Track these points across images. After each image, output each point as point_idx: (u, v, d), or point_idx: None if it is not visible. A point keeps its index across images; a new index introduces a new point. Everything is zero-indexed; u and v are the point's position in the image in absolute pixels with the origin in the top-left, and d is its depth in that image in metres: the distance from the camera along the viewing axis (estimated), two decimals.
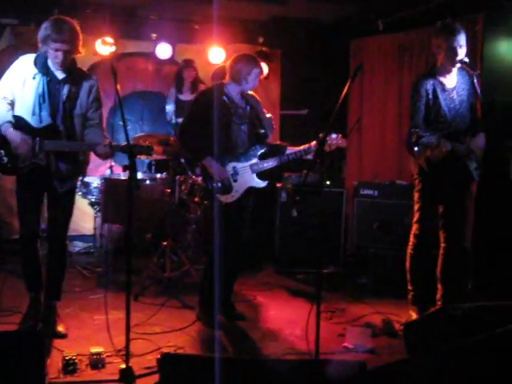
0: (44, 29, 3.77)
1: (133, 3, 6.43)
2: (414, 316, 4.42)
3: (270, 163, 4.42)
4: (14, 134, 3.78)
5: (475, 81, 4.08)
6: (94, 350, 3.56)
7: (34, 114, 3.83)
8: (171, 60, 6.77)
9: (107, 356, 3.58)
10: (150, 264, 5.30)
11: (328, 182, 5.97)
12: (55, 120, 3.87)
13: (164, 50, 6.61)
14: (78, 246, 6.55)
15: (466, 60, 4.08)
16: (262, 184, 4.43)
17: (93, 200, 6.02)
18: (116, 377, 3.31)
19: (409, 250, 4.44)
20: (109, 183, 5.80)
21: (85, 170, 4.24)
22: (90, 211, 6.24)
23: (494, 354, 2.77)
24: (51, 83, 3.87)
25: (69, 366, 3.38)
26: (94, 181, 5.99)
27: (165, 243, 5.21)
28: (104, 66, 6.27)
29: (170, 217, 5.46)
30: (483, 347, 2.79)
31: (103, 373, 3.43)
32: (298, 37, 6.99)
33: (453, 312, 3.36)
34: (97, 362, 3.49)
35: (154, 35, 6.56)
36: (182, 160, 5.63)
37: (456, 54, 4.04)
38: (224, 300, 4.48)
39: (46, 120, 3.86)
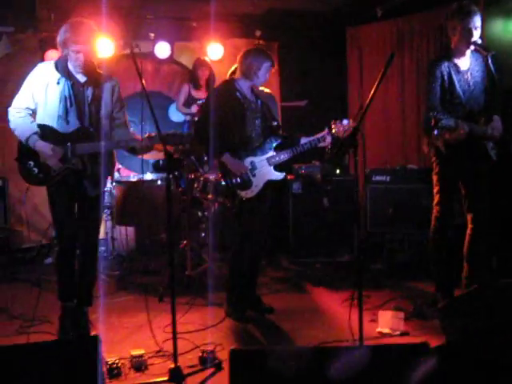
0: (63, 32, 3.77)
1: (129, 4, 6.39)
2: (440, 297, 4.47)
3: (286, 155, 4.43)
4: (43, 146, 3.77)
5: (489, 62, 4.12)
6: (135, 352, 3.56)
7: (59, 118, 3.82)
8: (170, 59, 6.75)
9: (148, 358, 3.59)
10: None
11: (338, 171, 6.01)
12: (83, 123, 3.87)
13: (163, 49, 6.61)
14: None
15: (480, 41, 4.13)
16: (280, 176, 4.45)
17: (103, 204, 5.99)
18: (163, 377, 3.31)
19: (431, 233, 4.49)
20: (120, 186, 5.78)
21: (113, 171, 4.24)
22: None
23: None
24: (75, 87, 3.88)
25: (113, 371, 3.38)
26: None
27: (184, 242, 5.21)
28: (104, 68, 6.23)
29: (185, 215, 5.46)
30: None
31: (147, 374, 3.43)
32: (294, 28, 7.01)
33: (489, 290, 3.41)
34: (140, 365, 3.49)
35: (152, 34, 6.53)
36: (193, 157, 5.62)
37: (471, 35, 4.08)
38: (251, 294, 4.51)
39: (74, 123, 3.86)
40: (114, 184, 5.80)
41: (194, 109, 6.57)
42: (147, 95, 3.48)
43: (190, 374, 3.35)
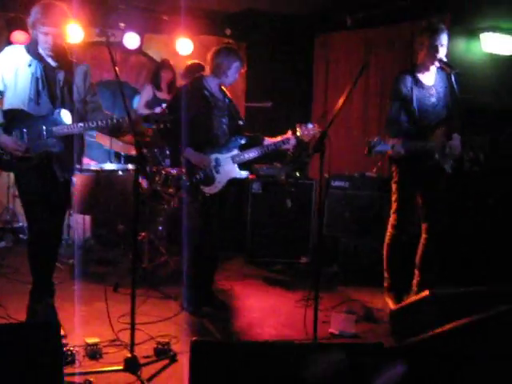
0: (34, 13, 3.73)
1: None
2: (391, 303, 4.61)
3: (251, 154, 4.51)
4: (6, 140, 3.69)
5: (452, 79, 4.28)
6: (90, 340, 3.58)
7: (30, 100, 3.75)
8: (138, 50, 6.72)
9: (103, 346, 3.60)
10: (126, 255, 5.33)
11: (298, 174, 6.11)
12: (55, 106, 3.82)
13: (132, 40, 6.56)
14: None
15: (445, 59, 4.29)
16: (243, 175, 4.54)
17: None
18: (118, 366, 3.33)
19: (386, 240, 4.64)
20: (81, 174, 5.72)
21: (82, 157, 4.19)
22: None
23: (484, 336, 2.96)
24: (46, 70, 3.82)
25: (67, 358, 3.37)
26: None
27: (142, 234, 5.21)
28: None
29: (144, 208, 5.47)
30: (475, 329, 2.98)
31: (102, 363, 3.45)
32: (264, 30, 7.07)
33: (439, 297, 3.55)
34: (94, 353, 3.51)
35: (123, 24, 6.49)
36: (155, 150, 5.62)
37: (437, 52, 4.24)
38: (207, 289, 4.57)
39: (46, 106, 3.80)
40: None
41: (158, 111, 6.54)
42: (121, 84, 3.50)
43: (144, 365, 3.38)
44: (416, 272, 4.64)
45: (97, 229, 6.31)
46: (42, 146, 3.77)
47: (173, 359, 3.54)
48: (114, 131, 4.05)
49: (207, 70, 4.49)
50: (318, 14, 6.76)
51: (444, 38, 4.26)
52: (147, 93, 6.57)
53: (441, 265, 4.79)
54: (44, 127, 3.76)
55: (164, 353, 3.57)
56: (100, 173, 5.75)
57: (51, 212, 3.89)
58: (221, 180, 4.36)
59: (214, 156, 4.36)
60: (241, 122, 4.60)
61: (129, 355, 3.29)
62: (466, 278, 4.85)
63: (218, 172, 4.35)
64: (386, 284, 4.70)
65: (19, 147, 3.70)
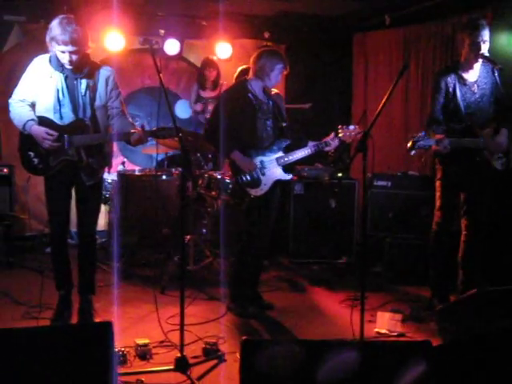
0: (50, 29, 3.81)
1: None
2: (437, 302, 4.58)
3: (294, 156, 4.53)
4: (37, 129, 3.86)
5: (496, 75, 4.22)
6: (140, 341, 3.64)
7: (55, 111, 3.91)
8: (178, 56, 6.83)
9: (153, 347, 3.68)
10: (172, 258, 5.42)
11: (340, 174, 6.11)
12: (77, 115, 3.94)
13: (172, 46, 6.67)
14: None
15: (488, 55, 4.24)
16: (288, 177, 4.56)
17: (106, 196, 6.06)
18: (168, 366, 3.40)
19: (431, 238, 4.60)
20: (124, 179, 5.85)
21: (110, 161, 4.28)
22: (103, 207, 6.28)
23: None
24: (68, 79, 3.93)
25: (118, 358, 3.46)
26: (108, 177, 6.02)
27: (188, 237, 5.29)
28: (113, 62, 6.32)
29: (189, 211, 5.55)
30: None
31: (152, 363, 3.52)
32: (303, 32, 7.10)
33: (487, 295, 3.51)
34: (145, 353, 3.58)
35: (162, 31, 6.60)
36: (198, 154, 5.71)
37: (479, 49, 4.19)
38: (253, 290, 4.61)
39: (69, 116, 3.94)
40: (117, 177, 5.87)
41: (199, 107, 6.67)
42: (165, 91, 3.56)
43: (194, 364, 3.44)
44: (460, 271, 4.59)
45: (142, 232, 6.40)
46: (62, 155, 3.91)
47: (221, 359, 3.59)
48: (126, 142, 4.05)
49: (250, 74, 4.53)
50: (355, 14, 6.73)
51: (486, 34, 4.21)
52: (195, 91, 6.74)
53: (484, 263, 4.73)
54: (66, 137, 3.88)
55: (212, 353, 3.62)
56: (145, 177, 5.86)
57: (81, 215, 4.07)
58: (266, 182, 4.40)
59: (259, 158, 4.40)
60: (284, 124, 4.62)
61: (179, 355, 3.34)
62: (509, 276, 4.79)
63: (263, 174, 4.39)
64: (431, 282, 4.66)
65: (50, 137, 3.84)
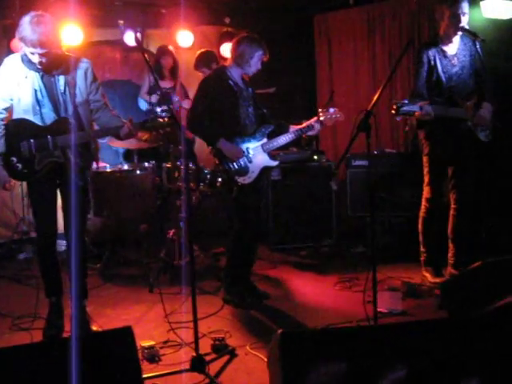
0: (20, 28, 3.55)
1: None
2: (429, 277, 4.62)
3: (279, 141, 4.47)
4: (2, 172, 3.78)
5: (478, 47, 4.24)
6: (145, 343, 3.51)
7: (35, 113, 3.70)
8: (139, 47, 6.59)
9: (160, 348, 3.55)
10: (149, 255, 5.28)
11: (315, 157, 6.07)
12: (59, 114, 3.74)
13: (132, 37, 6.42)
14: (63, 244, 6.32)
15: (467, 27, 4.26)
16: (274, 163, 4.51)
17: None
18: (179, 367, 3.28)
19: (421, 213, 4.63)
20: (97, 176, 5.63)
21: (97, 155, 4.08)
22: None
23: None
24: (45, 78, 3.73)
25: None
26: None
27: (171, 231, 5.16)
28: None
29: (168, 205, 5.41)
30: None
31: (163, 365, 3.40)
32: (262, 15, 6.98)
33: (493, 266, 3.53)
34: (153, 356, 3.45)
35: (121, 22, 6.36)
36: (171, 145, 5.53)
37: (459, 21, 4.20)
38: (247, 280, 4.53)
39: (50, 116, 3.74)
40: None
41: (154, 99, 6.46)
42: (161, 89, 3.40)
43: (211, 362, 3.33)
44: (450, 244, 4.64)
45: (116, 230, 6.20)
46: (48, 156, 3.71)
47: (233, 354, 3.50)
48: (115, 136, 3.89)
49: (229, 61, 4.42)
50: None
51: (465, 7, 4.23)
52: (146, 82, 6.50)
53: (474, 235, 4.80)
54: (50, 138, 3.69)
55: (222, 348, 3.53)
56: (118, 173, 5.66)
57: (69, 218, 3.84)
58: (254, 169, 4.31)
59: (244, 146, 4.31)
60: (264, 111, 4.55)
61: (193, 355, 3.22)
62: (499, 247, 4.88)
63: (250, 162, 4.31)
64: (422, 258, 4.70)
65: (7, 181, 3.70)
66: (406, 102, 3.98)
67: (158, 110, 6.00)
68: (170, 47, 6.61)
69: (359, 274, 5.05)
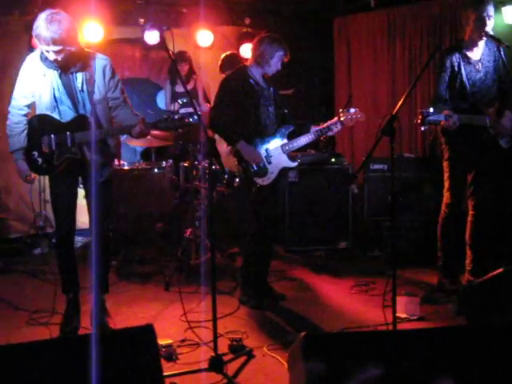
0: (36, 25, 3.55)
1: None
2: (447, 283, 4.58)
3: (299, 142, 4.45)
4: (20, 166, 3.82)
5: (502, 53, 4.21)
6: (163, 342, 3.50)
7: (53, 110, 3.73)
8: (159, 45, 6.61)
9: (177, 347, 3.55)
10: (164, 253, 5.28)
11: (333, 159, 6.05)
12: (77, 111, 3.75)
13: (152, 36, 6.45)
14: (78, 240, 6.34)
15: (492, 33, 4.22)
16: (293, 164, 4.48)
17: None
18: (197, 366, 3.28)
19: (440, 219, 4.57)
20: (115, 174, 5.62)
21: (118, 152, 4.08)
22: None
23: None
24: (63, 76, 3.73)
25: None
26: None
27: (188, 231, 5.16)
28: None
29: (185, 204, 5.42)
30: None
31: (180, 363, 3.39)
32: (283, 17, 6.98)
33: None
34: (170, 354, 3.44)
35: (142, 20, 6.38)
36: (190, 145, 5.54)
37: (485, 25, 4.15)
38: (264, 281, 4.52)
39: (68, 113, 3.75)
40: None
41: (176, 106, 6.48)
42: (188, 92, 3.40)
43: (229, 361, 3.33)
44: (468, 251, 4.59)
45: (133, 228, 6.20)
46: (65, 152, 3.73)
47: (250, 355, 3.48)
48: (135, 136, 3.84)
49: (250, 60, 4.42)
50: None
51: (491, 10, 4.18)
52: (168, 89, 6.56)
53: (492, 242, 4.75)
54: (68, 134, 3.70)
55: (239, 349, 3.52)
56: (135, 171, 5.68)
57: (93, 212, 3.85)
58: (273, 170, 4.30)
59: (264, 147, 4.30)
60: (286, 111, 4.54)
61: (212, 354, 3.22)
62: None
63: (269, 163, 4.30)
64: (440, 263, 4.65)
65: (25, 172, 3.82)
66: (432, 111, 3.94)
67: (182, 110, 6.12)
68: (188, 53, 6.63)
69: (375, 277, 5.03)
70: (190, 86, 6.59)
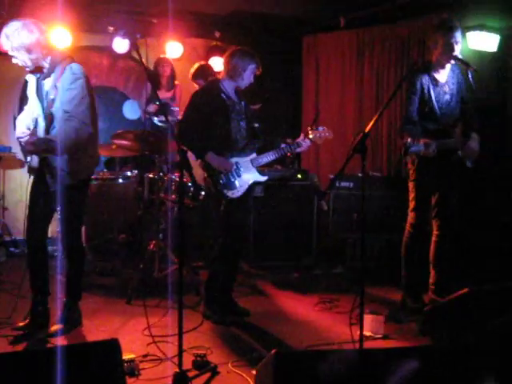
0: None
1: None
2: (410, 302, 4.61)
3: (269, 157, 4.47)
4: None
5: (470, 76, 4.29)
6: (126, 357, 3.40)
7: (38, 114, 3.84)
8: (127, 54, 6.55)
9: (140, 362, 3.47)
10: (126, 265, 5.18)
11: (299, 176, 6.07)
12: (45, 118, 3.77)
13: (121, 44, 6.38)
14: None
15: (460, 57, 4.31)
16: (263, 178, 4.49)
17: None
18: (160, 382, 3.22)
19: (404, 238, 4.61)
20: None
21: (78, 168, 3.91)
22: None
23: None
24: (38, 82, 3.84)
25: None
26: None
27: (152, 243, 5.07)
28: None
29: (150, 216, 5.34)
30: None
31: (142, 380, 3.31)
32: (253, 32, 7.00)
33: (478, 294, 3.54)
34: (132, 369, 3.36)
35: (111, 28, 6.31)
36: (156, 156, 5.46)
37: (453, 50, 4.25)
38: (228, 296, 4.47)
39: (41, 118, 3.80)
40: None
41: (152, 108, 6.42)
42: (159, 99, 3.36)
43: (194, 377, 3.26)
44: (431, 270, 4.64)
45: (92, 239, 6.08)
46: (40, 154, 3.81)
47: (214, 371, 3.42)
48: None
49: (222, 73, 4.40)
50: (307, 15, 6.71)
51: (458, 36, 4.28)
52: (145, 92, 6.51)
53: (455, 262, 4.81)
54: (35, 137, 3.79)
55: (204, 365, 3.45)
56: (98, 181, 5.57)
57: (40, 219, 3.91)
58: (243, 184, 4.29)
59: (233, 160, 4.29)
60: (256, 125, 4.53)
61: (176, 370, 3.14)
62: (481, 274, 4.90)
63: (239, 176, 4.28)
64: (404, 282, 4.68)
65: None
66: (412, 141, 3.99)
67: (156, 119, 6.03)
68: (167, 56, 6.60)
69: (339, 294, 5.04)
70: (171, 93, 6.52)
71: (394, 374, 2.27)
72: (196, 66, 5.95)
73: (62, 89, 3.72)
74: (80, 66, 3.84)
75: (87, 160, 3.96)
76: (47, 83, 3.78)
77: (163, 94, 6.35)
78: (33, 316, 3.95)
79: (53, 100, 3.75)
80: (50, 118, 3.77)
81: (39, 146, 3.72)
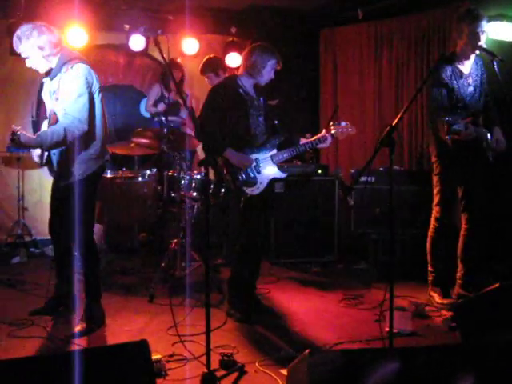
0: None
1: None
2: (437, 297, 4.54)
3: (289, 153, 4.40)
4: None
5: (495, 67, 4.19)
6: (153, 357, 3.36)
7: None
8: (143, 52, 6.51)
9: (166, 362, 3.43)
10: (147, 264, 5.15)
11: (320, 171, 6.00)
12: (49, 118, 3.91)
13: (137, 42, 6.34)
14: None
15: (485, 46, 4.22)
16: (283, 174, 4.42)
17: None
18: (191, 382, 3.17)
19: (429, 233, 4.55)
20: None
21: (76, 166, 3.87)
22: None
23: None
24: (47, 82, 3.96)
25: None
26: None
27: (174, 241, 5.03)
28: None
29: (171, 214, 5.30)
30: None
31: (170, 380, 3.27)
32: (269, 27, 6.92)
33: (509, 289, 3.47)
34: (159, 370, 3.31)
35: (127, 26, 6.27)
36: (175, 153, 5.41)
37: (478, 40, 4.17)
38: (252, 294, 4.42)
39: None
40: None
41: (161, 107, 6.38)
42: (169, 98, 3.32)
43: (222, 377, 3.22)
44: (459, 264, 4.56)
45: (111, 238, 6.06)
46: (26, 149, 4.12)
47: (242, 371, 3.37)
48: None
49: (241, 70, 4.34)
50: (325, 9, 6.63)
51: (484, 25, 4.19)
52: (156, 92, 6.44)
53: (484, 255, 4.72)
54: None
55: (231, 365, 3.40)
56: (117, 180, 5.54)
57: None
58: (262, 181, 4.23)
59: (253, 156, 4.23)
60: (276, 122, 4.47)
61: (204, 370, 3.10)
62: (509, 270, 4.82)
63: (259, 172, 4.22)
64: (430, 278, 4.62)
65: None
66: (451, 119, 3.88)
67: (163, 119, 5.99)
68: (179, 60, 6.55)
69: (363, 290, 4.98)
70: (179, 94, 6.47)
71: (436, 374, 2.20)
72: (205, 59, 5.88)
73: (61, 88, 3.79)
74: (85, 66, 3.84)
75: (87, 158, 3.91)
76: (54, 83, 3.85)
77: (173, 96, 6.30)
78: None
79: (57, 99, 3.81)
80: (54, 118, 3.80)
81: (22, 144, 3.66)
